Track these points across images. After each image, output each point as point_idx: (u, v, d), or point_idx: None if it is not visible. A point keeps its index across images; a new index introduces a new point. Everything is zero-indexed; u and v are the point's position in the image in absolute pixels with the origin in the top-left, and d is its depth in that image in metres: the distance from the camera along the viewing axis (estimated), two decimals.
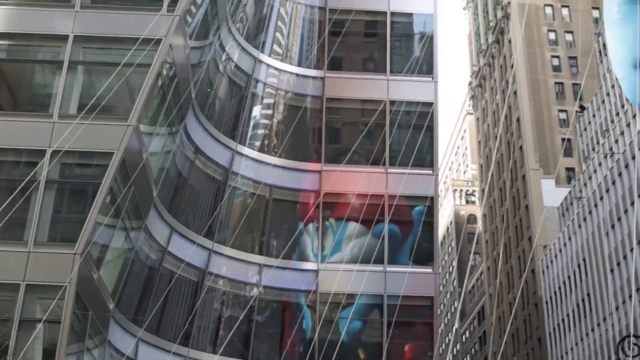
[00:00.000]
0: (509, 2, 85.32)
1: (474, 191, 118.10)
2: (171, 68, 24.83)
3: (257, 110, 30.66)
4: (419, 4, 33.08)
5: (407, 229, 29.51)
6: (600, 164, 61.79)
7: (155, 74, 23.41)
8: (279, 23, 32.10)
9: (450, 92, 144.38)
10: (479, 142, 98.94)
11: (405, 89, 31.25)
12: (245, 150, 29.28)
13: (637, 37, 3.79)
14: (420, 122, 30.64)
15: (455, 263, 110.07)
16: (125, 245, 24.01)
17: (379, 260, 28.38)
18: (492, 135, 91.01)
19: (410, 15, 33.21)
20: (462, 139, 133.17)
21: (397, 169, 29.54)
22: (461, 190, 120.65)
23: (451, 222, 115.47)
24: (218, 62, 28.93)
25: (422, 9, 33.02)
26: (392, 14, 32.48)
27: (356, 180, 28.87)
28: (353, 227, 29.12)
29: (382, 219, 28.73)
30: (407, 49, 32.85)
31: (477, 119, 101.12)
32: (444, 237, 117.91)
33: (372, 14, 32.43)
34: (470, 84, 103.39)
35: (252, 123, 30.33)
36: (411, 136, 30.46)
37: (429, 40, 32.40)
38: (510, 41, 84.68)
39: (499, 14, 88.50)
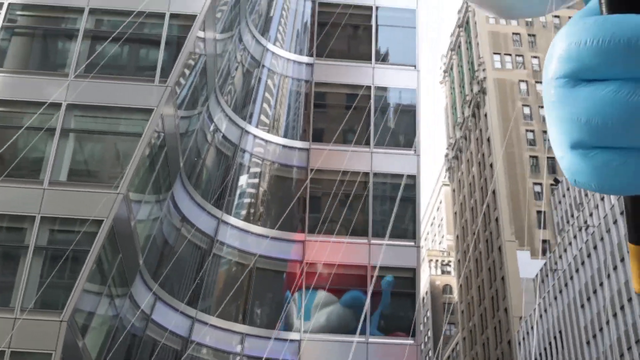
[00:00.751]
0: (484, 78, 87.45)
1: (449, 261, 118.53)
2: (161, 137, 25.18)
3: (243, 180, 31.00)
4: (401, 80, 33.94)
5: (377, 299, 29.79)
6: (575, 237, 62.58)
7: (146, 143, 23.73)
8: (267, 94, 32.76)
9: (426, 164, 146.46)
10: (455, 213, 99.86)
11: (388, 161, 31.80)
12: (231, 220, 29.47)
13: (571, 120, 4.17)
14: (402, 194, 31.11)
15: (430, 333, 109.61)
16: (110, 312, 23.88)
17: (361, 331, 28.43)
18: (468, 207, 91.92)
19: (392, 89, 34.04)
20: (437, 209, 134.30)
21: (380, 241, 29.83)
22: (437, 261, 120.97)
23: (427, 292, 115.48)
24: (206, 132, 29.36)
25: (405, 84, 33.86)
26: (376, 88, 33.28)
27: (339, 251, 29.08)
28: (335, 297, 29.22)
29: (365, 289, 28.88)
30: (390, 122, 33.54)
31: (453, 190, 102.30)
32: (420, 307, 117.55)
33: (357, 87, 33.17)
34: (446, 155, 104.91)
35: (238, 192, 30.63)
36: (393, 208, 30.87)
37: (411, 115, 33.16)
38: (486, 115, 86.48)
39: (475, 88, 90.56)
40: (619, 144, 4.70)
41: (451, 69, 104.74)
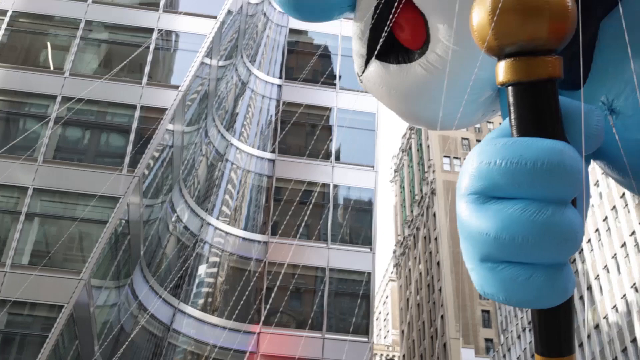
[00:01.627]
0: (434, 179, 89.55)
1: (394, 356, 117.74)
2: (125, 225, 25.28)
3: (202, 270, 31.03)
4: (359, 179, 34.75)
5: None
6: (518, 337, 63.19)
7: (111, 231, 23.83)
8: (229, 187, 33.20)
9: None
10: (401, 308, 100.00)
11: (344, 257, 32.22)
12: (188, 309, 29.32)
13: (480, 234, 4.50)
14: (357, 290, 31.42)
15: None
16: None
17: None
18: (414, 303, 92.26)
19: (351, 188, 34.81)
20: (384, 304, 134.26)
21: (334, 335, 29.92)
22: (381, 355, 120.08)
23: None
24: (168, 221, 29.52)
25: (363, 183, 34.67)
26: (335, 186, 34.03)
27: (294, 344, 29.04)
28: None
29: None
30: (347, 219, 34.16)
31: (400, 286, 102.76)
32: None
33: (316, 185, 33.85)
34: (394, 252, 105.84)
35: (196, 282, 30.59)
36: (348, 303, 31.12)
37: (367, 213, 33.86)
38: (434, 215, 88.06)
39: (425, 189, 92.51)
40: (525, 259, 4.85)
41: (402, 168, 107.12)
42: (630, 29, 5.67)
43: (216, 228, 31.43)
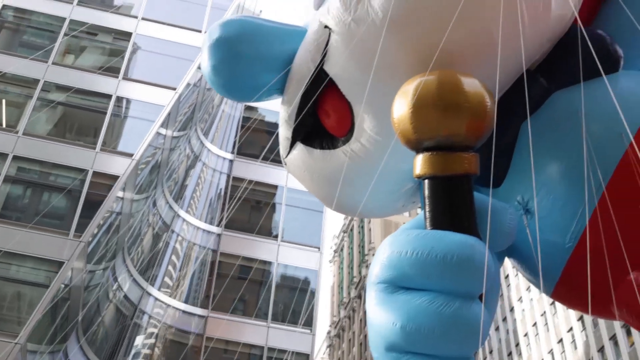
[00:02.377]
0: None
1: None
2: (66, 290, 25.25)
3: (139, 341, 30.84)
4: (304, 259, 35.26)
5: None
6: None
7: (52, 295, 23.79)
8: (173, 259, 33.37)
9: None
10: None
11: (283, 337, 32.44)
12: None
13: (387, 323, 4.68)
14: None
15: None
16: None
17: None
18: None
19: (295, 268, 35.29)
20: None
21: None
22: None
23: None
24: (109, 289, 29.49)
25: (307, 264, 35.16)
26: (280, 264, 34.51)
27: None
28: None
29: None
30: (288, 298, 34.51)
31: None
32: None
33: (261, 262, 34.28)
34: (328, 333, 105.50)
35: (133, 352, 30.36)
36: None
37: (310, 294, 34.31)
38: None
39: (364, 271, 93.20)
40: (430, 351, 4.86)
41: (342, 249, 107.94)
42: (548, 130, 5.88)
43: (156, 299, 31.45)
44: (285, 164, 7.03)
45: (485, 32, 5.45)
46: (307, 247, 35.59)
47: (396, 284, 5.08)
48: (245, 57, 6.54)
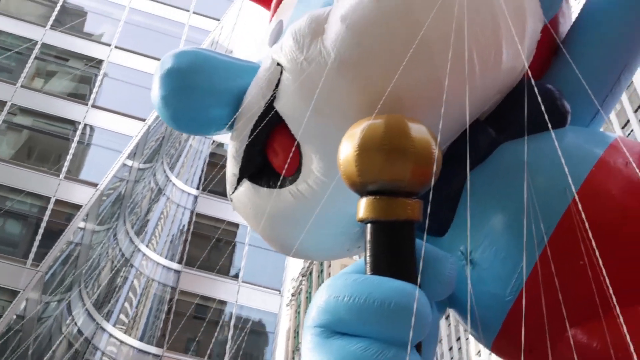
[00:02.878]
0: None
1: None
2: (19, 321, 24.58)
3: None
4: (264, 302, 34.91)
5: None
6: None
7: (4, 325, 23.12)
8: (130, 295, 32.73)
9: None
10: None
11: None
12: None
13: None
14: None
15: None
16: None
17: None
18: None
19: (255, 310, 34.90)
20: None
21: None
22: None
23: None
24: (62, 322, 28.77)
25: (267, 306, 34.82)
26: (240, 306, 34.08)
27: None
28: None
29: None
30: (246, 341, 34.04)
31: None
32: None
33: (219, 302, 33.84)
34: None
35: None
36: None
37: (268, 337, 33.90)
38: None
39: None
40: None
41: (299, 293, 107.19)
42: (494, 181, 5.82)
43: (111, 335, 30.74)
44: (231, 201, 6.93)
45: (435, 80, 5.42)
46: (267, 289, 35.27)
47: (332, 329, 4.73)
48: (197, 89, 6.46)
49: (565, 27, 7.52)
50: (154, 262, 33.97)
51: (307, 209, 6.18)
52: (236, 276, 35.38)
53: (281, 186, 6.39)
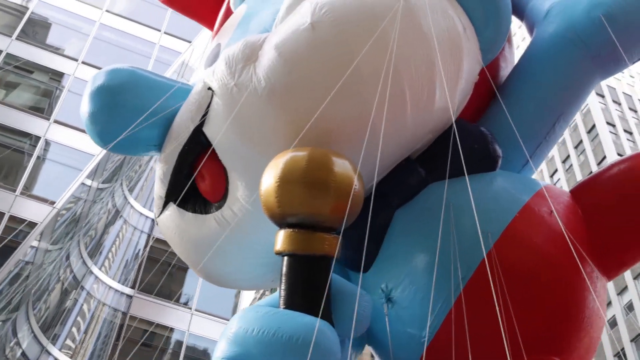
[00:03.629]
0: None
1: None
2: None
3: None
4: (214, 331, 34.43)
5: None
6: None
7: None
8: (79, 319, 31.98)
9: None
10: None
11: None
12: None
13: None
14: None
15: None
16: None
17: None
18: None
19: (210, 341, 34.41)
20: None
21: None
22: None
23: None
24: (6, 344, 27.98)
25: (215, 335, 34.26)
26: (192, 335, 33.59)
27: None
28: None
29: None
30: None
31: None
32: None
33: (172, 330, 33.33)
34: None
35: None
36: None
37: None
38: None
39: None
40: None
41: None
42: (420, 220, 6.02)
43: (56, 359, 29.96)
44: (157, 224, 6.97)
45: (365, 115, 5.47)
46: (218, 318, 34.83)
47: None
48: (126, 107, 6.49)
49: (506, 71, 7.64)
50: (106, 285, 33.30)
51: (231, 237, 6.20)
52: (186, 304, 34.89)
53: (207, 212, 6.30)
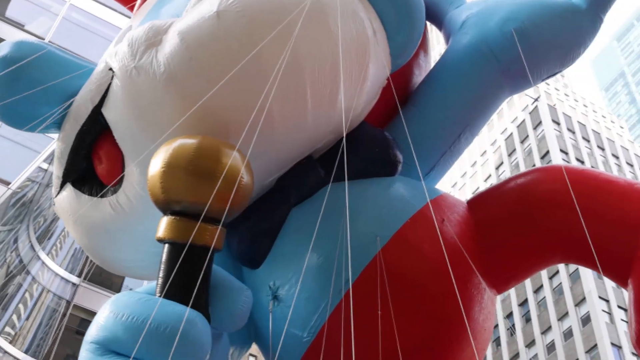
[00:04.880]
0: None
1: None
2: None
3: None
4: None
5: None
6: None
7: None
8: (20, 305, 31.68)
9: None
10: None
11: None
12: None
13: None
14: None
15: None
16: None
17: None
18: None
19: None
20: None
21: None
22: None
23: None
24: None
25: None
26: None
27: None
28: None
29: None
30: None
31: None
32: None
33: None
34: None
35: None
36: None
37: None
38: None
39: None
40: None
41: None
42: (313, 220, 6.00)
43: None
44: (54, 205, 6.88)
45: (263, 107, 5.52)
46: None
47: (107, 347, 4.99)
48: (27, 82, 6.42)
49: (419, 78, 7.78)
50: (52, 272, 33.06)
51: (124, 223, 6.21)
52: None
53: (102, 196, 6.27)
